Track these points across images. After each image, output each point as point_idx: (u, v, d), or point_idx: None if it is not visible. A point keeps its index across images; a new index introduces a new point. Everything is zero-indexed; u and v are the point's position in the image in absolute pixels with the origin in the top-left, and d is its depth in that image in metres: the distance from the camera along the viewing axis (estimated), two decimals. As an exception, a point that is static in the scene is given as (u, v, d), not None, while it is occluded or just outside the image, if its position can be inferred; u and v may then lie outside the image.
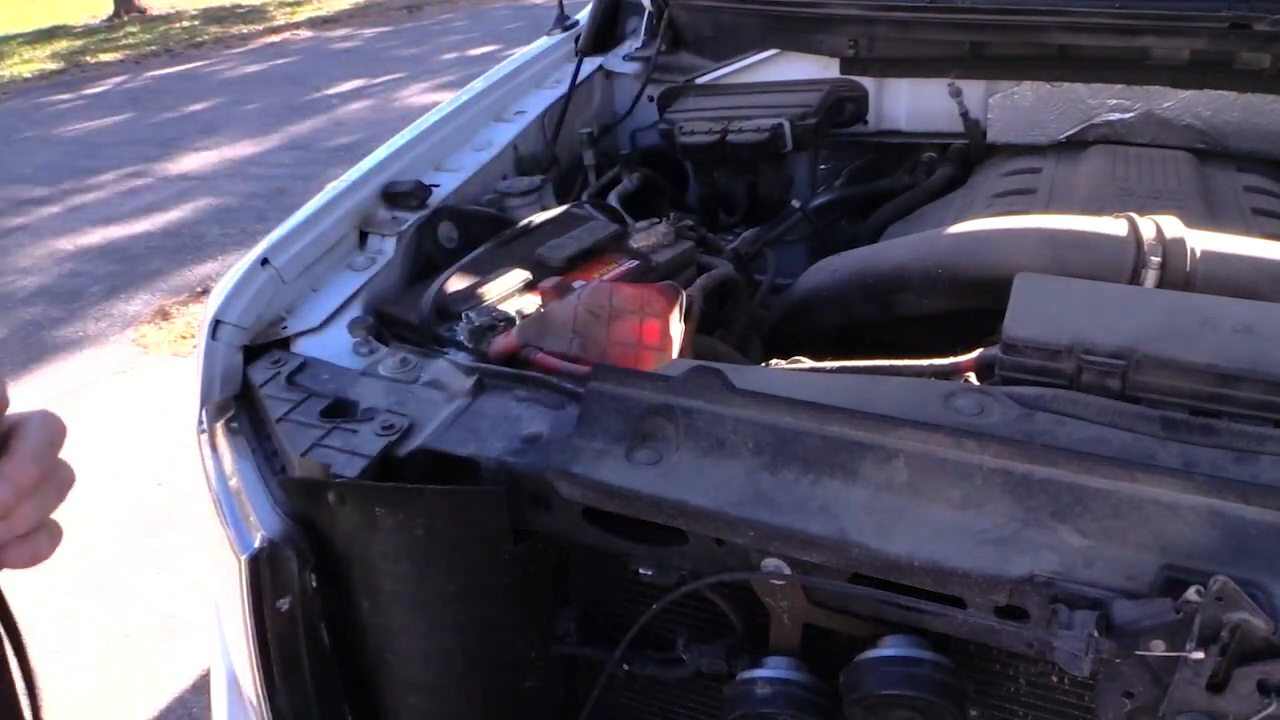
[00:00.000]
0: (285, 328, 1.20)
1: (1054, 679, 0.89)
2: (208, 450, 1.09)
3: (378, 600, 1.00)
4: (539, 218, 1.43)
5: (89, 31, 12.86)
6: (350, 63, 9.45)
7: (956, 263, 1.23)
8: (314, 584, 0.99)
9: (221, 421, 1.12)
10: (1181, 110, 1.60)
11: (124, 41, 11.89)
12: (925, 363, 1.05)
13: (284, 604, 0.98)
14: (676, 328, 1.12)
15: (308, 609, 0.99)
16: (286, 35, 11.70)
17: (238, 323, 1.16)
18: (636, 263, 1.31)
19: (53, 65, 10.69)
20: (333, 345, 1.17)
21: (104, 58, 10.90)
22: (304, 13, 13.19)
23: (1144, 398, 0.89)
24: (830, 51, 1.79)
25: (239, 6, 14.03)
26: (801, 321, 1.40)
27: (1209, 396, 0.87)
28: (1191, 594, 0.68)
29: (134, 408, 3.59)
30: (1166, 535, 0.74)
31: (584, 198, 1.64)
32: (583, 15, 2.09)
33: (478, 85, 1.79)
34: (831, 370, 1.07)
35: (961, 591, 0.76)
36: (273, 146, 6.89)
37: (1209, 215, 1.34)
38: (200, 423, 1.13)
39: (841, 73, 1.81)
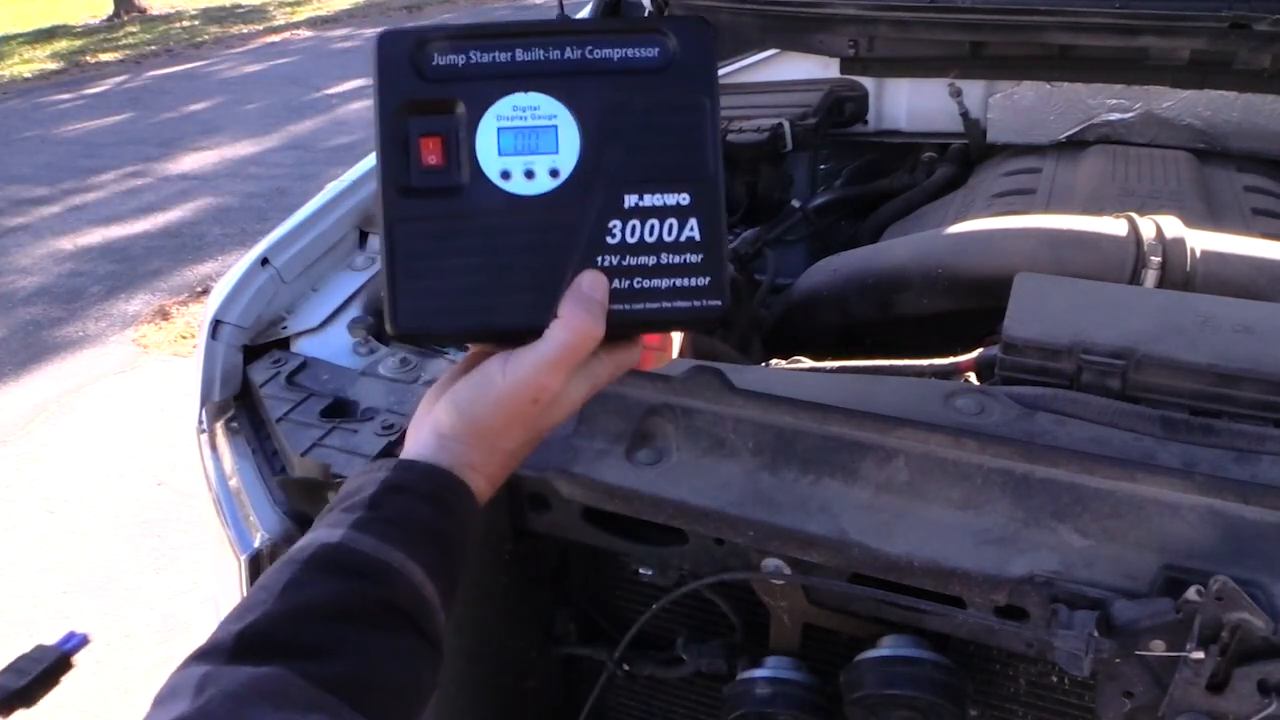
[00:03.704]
0: (285, 328, 1.20)
1: (1054, 679, 0.89)
2: (208, 450, 1.09)
3: (378, 600, 0.99)
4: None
5: (89, 31, 12.86)
6: (350, 63, 9.45)
7: (956, 263, 1.23)
8: (314, 584, 0.99)
9: (221, 421, 1.12)
10: (1181, 110, 1.60)
11: (124, 41, 11.90)
12: (925, 363, 1.05)
13: (284, 604, 0.97)
14: (676, 328, 1.12)
15: (308, 609, 0.99)
16: (286, 35, 11.71)
17: (238, 323, 1.17)
18: (636, 263, 1.30)
19: (53, 65, 10.69)
20: (333, 345, 1.17)
21: (104, 58, 10.90)
22: (304, 13, 13.19)
23: (1144, 398, 0.89)
24: (830, 51, 1.79)
25: (239, 6, 14.03)
26: (801, 321, 1.40)
27: (1209, 396, 0.87)
28: (1191, 594, 0.68)
29: (134, 408, 3.59)
30: (1166, 535, 0.74)
31: (584, 198, 1.64)
32: (583, 15, 2.09)
33: (478, 85, 1.79)
34: (831, 370, 1.07)
35: (961, 591, 0.76)
36: (273, 146, 6.89)
37: (1209, 215, 1.34)
38: (200, 423, 1.13)
39: (841, 73, 1.81)
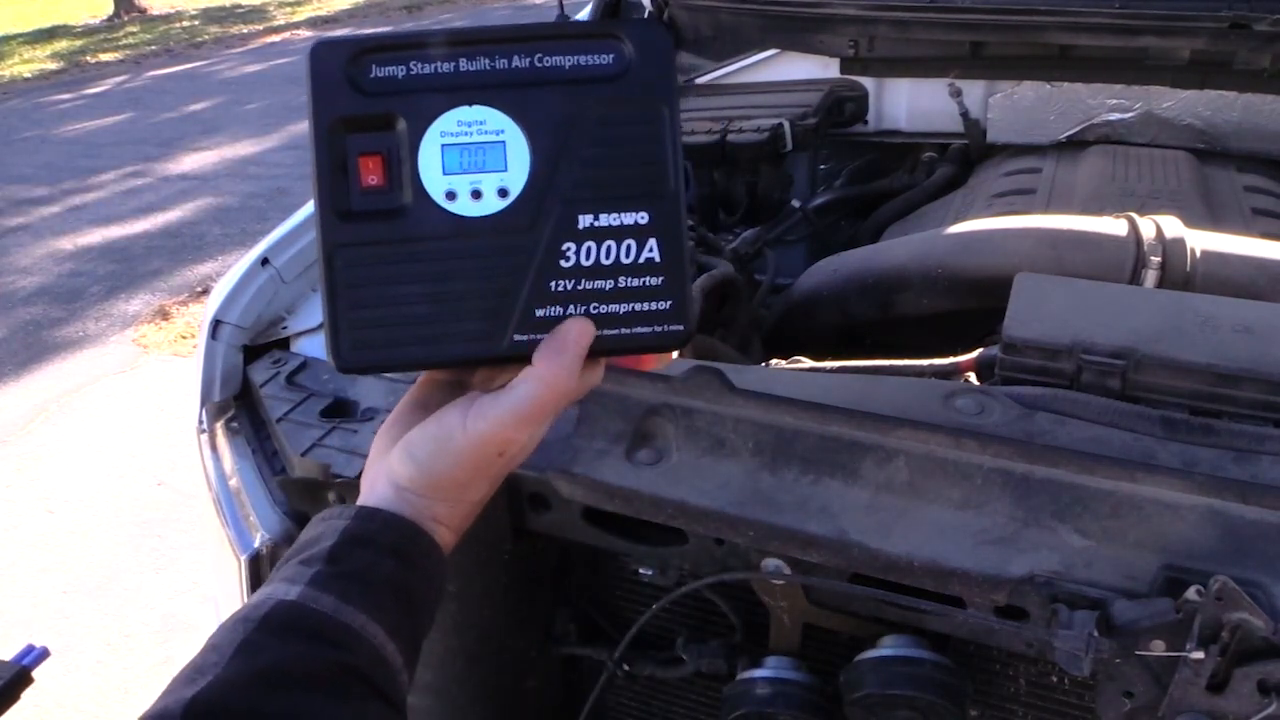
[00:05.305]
0: (285, 327, 1.20)
1: (1054, 679, 0.89)
2: (208, 450, 1.09)
3: (378, 600, 0.99)
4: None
5: (89, 31, 12.87)
6: (350, 63, 9.44)
7: (956, 263, 1.23)
8: (314, 584, 0.99)
9: (221, 421, 1.12)
10: (1181, 110, 1.60)
11: (124, 41, 11.90)
12: (925, 363, 1.05)
13: (284, 604, 0.97)
14: (676, 328, 1.12)
15: (308, 609, 0.99)
16: (286, 35, 11.71)
17: (238, 323, 1.17)
18: (636, 263, 1.30)
19: (53, 65, 10.70)
20: (333, 345, 1.17)
21: (104, 58, 10.90)
22: (304, 13, 13.20)
23: (1144, 398, 0.89)
24: (830, 51, 1.79)
25: (239, 6, 14.03)
26: (801, 321, 1.40)
27: (1209, 396, 0.87)
28: (1191, 594, 0.68)
29: (134, 408, 3.59)
30: (1166, 535, 0.74)
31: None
32: (583, 15, 2.09)
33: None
34: (831, 370, 1.07)
35: (961, 591, 0.76)
36: (273, 146, 6.90)
37: (1209, 215, 1.34)
38: (200, 423, 1.13)
39: (841, 73, 1.81)
